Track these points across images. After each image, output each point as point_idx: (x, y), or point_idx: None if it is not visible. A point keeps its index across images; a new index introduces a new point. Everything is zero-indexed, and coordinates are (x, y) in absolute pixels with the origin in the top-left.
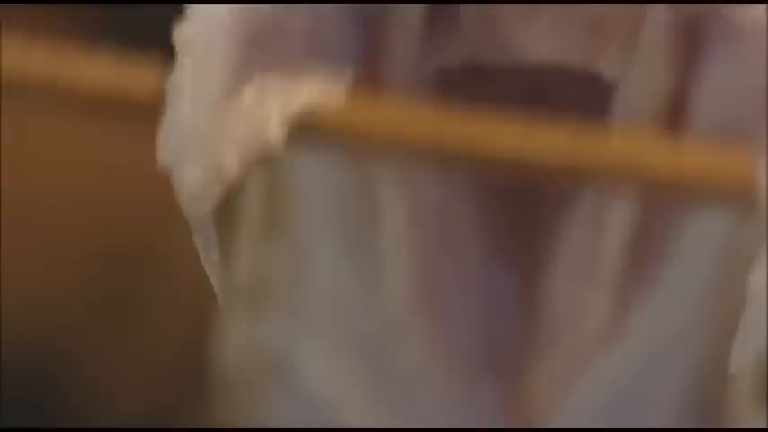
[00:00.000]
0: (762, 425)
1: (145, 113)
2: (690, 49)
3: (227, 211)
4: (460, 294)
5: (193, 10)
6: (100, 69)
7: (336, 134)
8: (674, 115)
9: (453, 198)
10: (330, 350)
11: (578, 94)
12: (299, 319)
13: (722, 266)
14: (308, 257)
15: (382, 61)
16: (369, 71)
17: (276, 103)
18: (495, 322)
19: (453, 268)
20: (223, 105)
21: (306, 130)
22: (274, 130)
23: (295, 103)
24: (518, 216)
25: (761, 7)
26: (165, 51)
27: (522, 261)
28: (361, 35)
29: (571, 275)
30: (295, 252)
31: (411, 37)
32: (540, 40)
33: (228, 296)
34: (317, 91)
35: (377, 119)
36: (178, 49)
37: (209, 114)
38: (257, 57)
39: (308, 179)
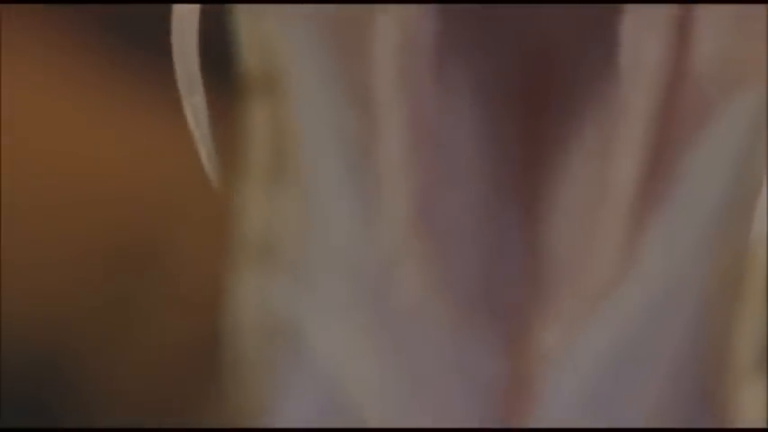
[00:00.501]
0: (760, 391)
1: None
2: None
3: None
4: (460, 226)
5: None
6: None
7: None
8: None
9: (455, 122)
10: (337, 308)
11: None
12: (307, 280)
13: (735, 185)
14: (313, 204)
15: None
16: None
17: None
18: (497, 259)
19: (453, 197)
20: None
21: None
22: None
23: None
24: (522, 146)
25: None
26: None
27: (525, 194)
28: None
29: (578, 209)
30: (302, 200)
31: None
32: None
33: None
34: None
35: None
36: None
37: None
38: None
39: (310, 112)
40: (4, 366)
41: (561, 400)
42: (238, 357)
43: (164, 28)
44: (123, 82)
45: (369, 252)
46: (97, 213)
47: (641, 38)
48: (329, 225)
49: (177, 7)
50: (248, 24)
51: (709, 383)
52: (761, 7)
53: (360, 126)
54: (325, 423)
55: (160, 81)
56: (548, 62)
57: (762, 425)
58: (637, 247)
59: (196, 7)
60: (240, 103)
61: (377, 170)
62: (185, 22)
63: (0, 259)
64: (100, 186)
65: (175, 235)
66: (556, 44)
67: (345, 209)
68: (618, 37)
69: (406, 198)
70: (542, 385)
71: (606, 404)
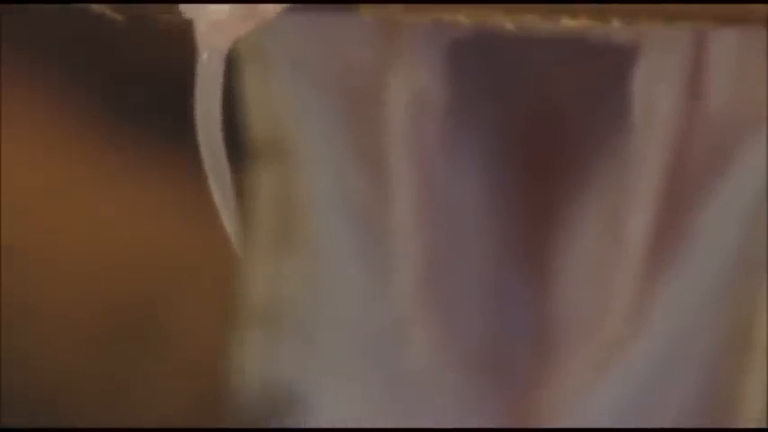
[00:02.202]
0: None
1: None
2: None
3: None
4: (469, 290)
5: None
6: None
7: None
8: None
9: (464, 186)
10: (344, 373)
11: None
12: (314, 344)
13: (749, 236)
14: (321, 269)
15: None
16: None
17: None
18: (505, 323)
19: (462, 260)
20: None
21: None
22: None
23: None
24: (531, 207)
25: None
26: None
27: (535, 255)
28: None
29: (589, 268)
30: (309, 265)
31: None
32: None
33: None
34: None
35: None
36: None
37: None
38: None
39: (319, 177)
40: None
41: None
42: (242, 422)
43: (163, 101)
44: (123, 151)
45: (377, 316)
46: (100, 278)
47: (653, 91)
48: (337, 289)
49: (202, 80)
50: (255, 90)
51: None
52: None
53: (369, 191)
54: None
55: (160, 150)
56: (557, 121)
57: None
58: (648, 304)
59: (219, 81)
60: (248, 169)
61: (387, 235)
62: (210, 98)
63: (2, 321)
64: (103, 251)
65: (179, 300)
66: (565, 103)
67: (354, 273)
68: (629, 91)
69: (416, 263)
70: None
71: None
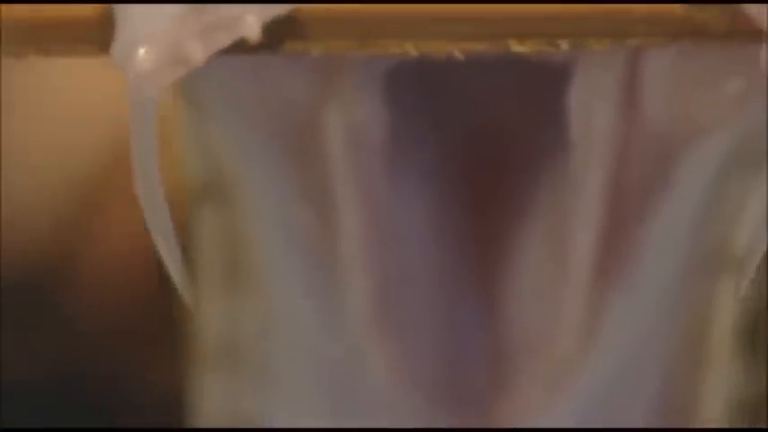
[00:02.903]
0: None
1: None
2: None
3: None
4: (420, 316)
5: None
6: None
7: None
8: None
9: (409, 212)
10: (303, 403)
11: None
12: (271, 378)
13: (698, 243)
14: (273, 304)
15: None
16: None
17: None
18: (459, 345)
19: (412, 287)
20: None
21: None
22: (251, 22)
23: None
24: (476, 229)
25: None
26: None
27: (483, 277)
28: None
29: (537, 288)
30: (260, 301)
31: None
32: None
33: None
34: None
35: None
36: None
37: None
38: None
39: (263, 214)
40: None
41: None
42: None
43: None
44: None
45: (332, 347)
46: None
47: (590, 108)
48: (290, 323)
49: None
50: (192, 131)
51: None
52: (707, 50)
53: (316, 225)
54: None
55: None
56: (497, 144)
57: None
58: (597, 320)
59: (153, 127)
60: (189, 210)
61: (336, 267)
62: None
63: None
64: None
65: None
66: (504, 125)
67: (306, 307)
68: (566, 110)
69: (367, 292)
70: None
71: None
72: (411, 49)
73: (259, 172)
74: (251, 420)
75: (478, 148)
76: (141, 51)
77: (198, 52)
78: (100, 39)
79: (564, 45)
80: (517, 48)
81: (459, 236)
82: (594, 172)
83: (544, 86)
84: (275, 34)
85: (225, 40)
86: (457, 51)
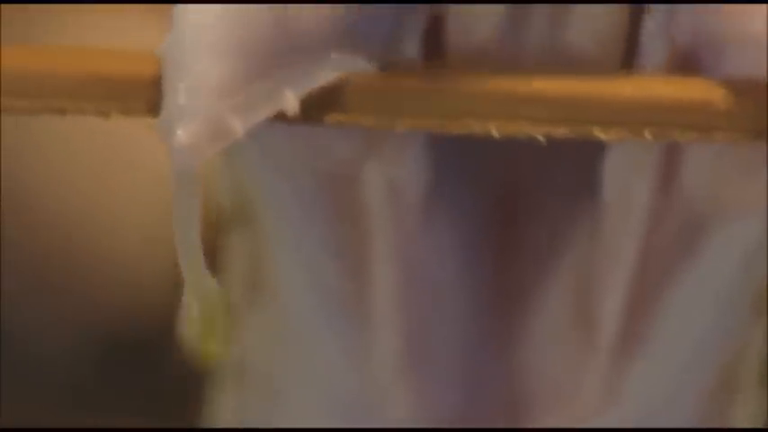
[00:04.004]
0: None
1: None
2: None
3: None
4: (444, 363)
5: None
6: None
7: (361, 104)
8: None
9: (440, 260)
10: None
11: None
12: (288, 411)
13: (720, 316)
14: (291, 329)
15: None
16: None
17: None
18: (478, 397)
19: (439, 333)
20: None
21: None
22: (289, 97)
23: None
24: (503, 281)
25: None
26: None
27: (506, 328)
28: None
29: (559, 344)
30: (279, 325)
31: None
32: None
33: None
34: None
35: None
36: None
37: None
38: (259, 59)
39: (292, 261)
40: None
41: None
42: None
43: None
44: None
45: (355, 384)
46: None
47: (626, 177)
48: (311, 360)
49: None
50: (227, 181)
51: None
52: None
53: (346, 276)
54: None
55: None
56: (530, 202)
57: None
58: (618, 382)
59: (196, 198)
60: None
61: (365, 316)
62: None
63: None
64: None
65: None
66: (538, 184)
67: (330, 348)
68: (601, 174)
69: (394, 339)
70: None
71: None
72: (493, 130)
73: (292, 221)
74: None
75: (512, 207)
76: (183, 126)
77: (237, 126)
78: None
79: (648, 135)
80: (600, 135)
81: (488, 291)
82: (625, 237)
83: (582, 150)
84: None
85: (264, 113)
86: (539, 134)
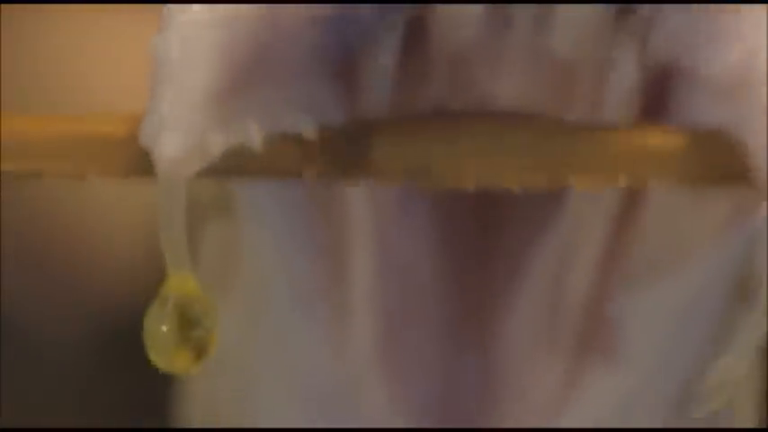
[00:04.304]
0: None
1: None
2: (657, 103)
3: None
4: (419, 352)
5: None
6: None
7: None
8: None
9: (417, 248)
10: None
11: None
12: (259, 401)
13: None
14: (266, 321)
15: (356, 103)
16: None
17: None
18: (451, 386)
19: (415, 322)
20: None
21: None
22: (253, 131)
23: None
24: (476, 274)
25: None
26: None
27: (479, 322)
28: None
29: (525, 351)
30: (253, 317)
31: (384, 84)
32: (509, 86)
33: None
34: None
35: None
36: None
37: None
38: (244, 71)
39: (266, 234)
40: None
41: None
42: None
43: None
44: None
45: (331, 374)
46: None
47: (585, 210)
48: (285, 346)
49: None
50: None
51: None
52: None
53: (322, 262)
54: None
55: None
56: (501, 199)
57: None
58: (581, 377)
59: (182, 208)
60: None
61: (344, 298)
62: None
63: None
64: None
65: None
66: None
67: (307, 333)
68: (563, 203)
69: (373, 325)
70: None
71: None
72: (469, 184)
73: (268, 212)
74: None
75: (488, 201)
76: (166, 137)
77: (217, 144)
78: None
79: (621, 183)
80: (576, 184)
81: (463, 283)
82: (592, 236)
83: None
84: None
85: (234, 139)
86: (514, 185)
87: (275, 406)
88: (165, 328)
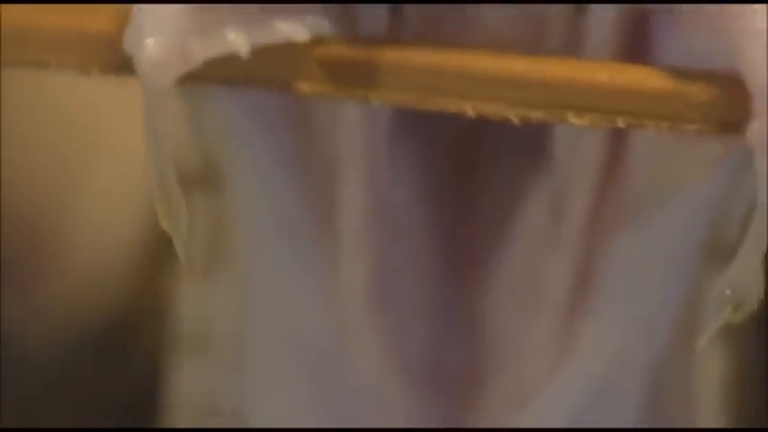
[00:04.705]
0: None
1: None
2: (636, 46)
3: None
4: (409, 303)
5: None
6: None
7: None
8: None
9: (407, 198)
10: (285, 388)
11: None
12: (250, 363)
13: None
14: (256, 291)
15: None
16: None
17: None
18: (441, 339)
19: (404, 271)
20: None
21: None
22: (241, 42)
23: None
24: (467, 229)
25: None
26: None
27: (467, 278)
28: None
29: (515, 303)
30: (243, 287)
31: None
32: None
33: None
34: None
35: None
36: None
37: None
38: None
39: (256, 193)
40: None
41: None
42: None
43: None
44: None
45: (318, 333)
46: None
47: (576, 138)
48: (274, 311)
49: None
50: (188, 112)
51: None
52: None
53: (312, 208)
54: None
55: None
56: (488, 154)
57: None
58: (573, 335)
59: (167, 115)
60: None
61: (330, 252)
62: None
63: None
64: None
65: None
66: (496, 134)
67: (294, 293)
68: (552, 136)
69: (363, 271)
70: None
71: None
72: (468, 110)
73: (256, 151)
74: (227, 407)
75: (471, 151)
76: (149, 41)
77: (198, 50)
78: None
79: (621, 123)
80: (574, 120)
81: (451, 235)
82: (576, 194)
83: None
84: (335, 79)
85: (218, 49)
86: (513, 116)
87: (270, 375)
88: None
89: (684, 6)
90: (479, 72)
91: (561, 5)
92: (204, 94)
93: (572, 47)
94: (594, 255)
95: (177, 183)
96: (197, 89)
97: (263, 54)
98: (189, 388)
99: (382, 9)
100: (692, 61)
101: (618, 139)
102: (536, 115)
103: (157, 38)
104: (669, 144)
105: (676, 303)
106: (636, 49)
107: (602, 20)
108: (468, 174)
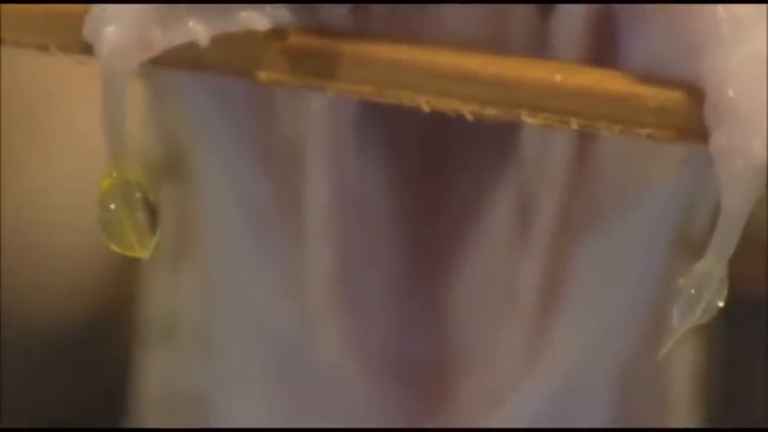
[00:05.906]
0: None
1: None
2: (602, 47)
3: None
4: (374, 292)
5: None
6: None
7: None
8: None
9: (374, 190)
10: (249, 377)
11: None
12: (217, 352)
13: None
14: (222, 276)
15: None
16: None
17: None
18: (406, 334)
19: (369, 261)
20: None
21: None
22: (200, 30)
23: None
24: (434, 221)
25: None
26: None
27: (434, 273)
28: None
29: (482, 300)
30: (209, 276)
31: None
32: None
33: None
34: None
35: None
36: None
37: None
38: None
39: (221, 182)
40: None
41: None
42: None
43: None
44: None
45: (283, 322)
46: None
47: (544, 137)
48: (239, 299)
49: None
50: (153, 103)
51: None
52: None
53: (278, 196)
54: None
55: None
56: (454, 148)
57: None
58: (542, 334)
59: (124, 103)
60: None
61: (296, 239)
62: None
63: None
64: None
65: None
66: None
67: (258, 281)
68: (520, 134)
69: (328, 262)
70: None
71: None
72: (423, 104)
73: (221, 140)
74: (191, 395)
75: (439, 140)
76: (109, 28)
77: (158, 38)
78: None
79: (574, 124)
80: (528, 119)
81: (417, 229)
82: (544, 192)
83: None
84: (293, 69)
85: (178, 38)
86: (467, 112)
87: (234, 365)
88: (112, 207)
89: (653, 6)
90: (434, 67)
91: (527, 6)
92: (166, 81)
93: (538, 48)
94: (563, 254)
95: (138, 170)
96: (158, 76)
97: (223, 42)
98: (156, 377)
99: (344, 6)
100: (660, 62)
101: (586, 138)
102: (490, 112)
103: (117, 26)
104: (637, 145)
105: (645, 303)
106: (603, 49)
107: (569, 20)
108: (437, 168)
